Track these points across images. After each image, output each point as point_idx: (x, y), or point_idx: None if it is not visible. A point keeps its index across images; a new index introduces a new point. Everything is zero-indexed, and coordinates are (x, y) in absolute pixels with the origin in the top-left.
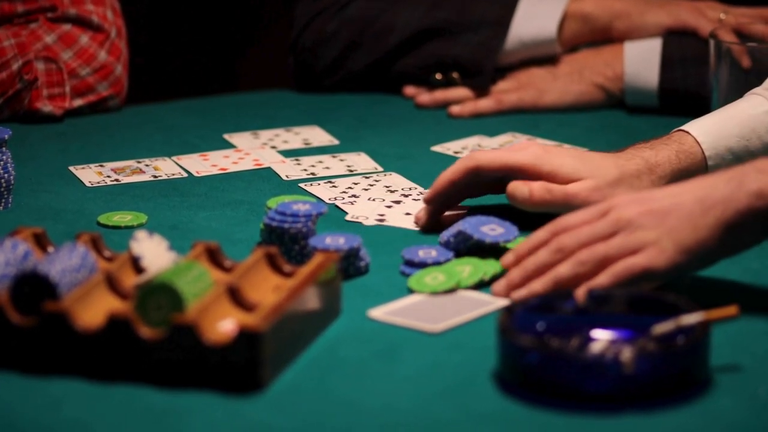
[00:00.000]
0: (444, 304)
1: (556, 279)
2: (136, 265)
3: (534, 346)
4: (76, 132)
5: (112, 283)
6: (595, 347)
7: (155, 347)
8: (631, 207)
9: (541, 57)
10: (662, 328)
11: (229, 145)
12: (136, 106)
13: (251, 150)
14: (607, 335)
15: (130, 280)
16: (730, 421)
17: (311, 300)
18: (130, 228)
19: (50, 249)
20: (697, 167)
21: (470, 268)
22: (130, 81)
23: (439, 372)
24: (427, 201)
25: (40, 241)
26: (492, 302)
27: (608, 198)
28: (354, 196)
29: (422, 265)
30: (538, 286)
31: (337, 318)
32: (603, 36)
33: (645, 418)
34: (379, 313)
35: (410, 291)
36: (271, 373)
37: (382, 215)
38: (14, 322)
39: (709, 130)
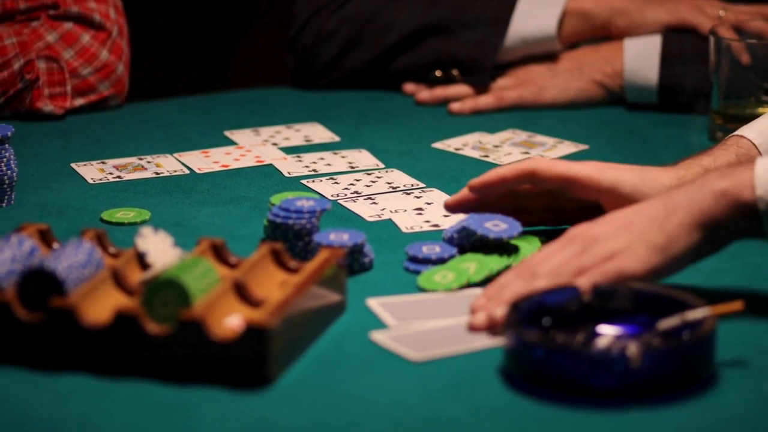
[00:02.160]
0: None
1: (533, 291)
2: (142, 261)
3: (540, 342)
4: (77, 129)
5: (118, 279)
6: (601, 342)
7: (162, 343)
8: (594, 227)
9: (541, 54)
10: (668, 323)
11: (230, 142)
12: (135, 104)
13: (252, 147)
14: (612, 330)
15: (135, 276)
16: (735, 417)
17: (317, 296)
18: (134, 225)
19: (55, 245)
20: None
21: (476, 264)
22: (129, 79)
23: (445, 367)
24: (471, 186)
25: (45, 238)
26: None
27: None
28: (356, 192)
29: (426, 261)
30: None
31: (343, 313)
32: (603, 33)
33: (651, 413)
34: (381, 336)
35: (421, 290)
36: (278, 368)
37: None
38: (21, 318)
39: (763, 131)
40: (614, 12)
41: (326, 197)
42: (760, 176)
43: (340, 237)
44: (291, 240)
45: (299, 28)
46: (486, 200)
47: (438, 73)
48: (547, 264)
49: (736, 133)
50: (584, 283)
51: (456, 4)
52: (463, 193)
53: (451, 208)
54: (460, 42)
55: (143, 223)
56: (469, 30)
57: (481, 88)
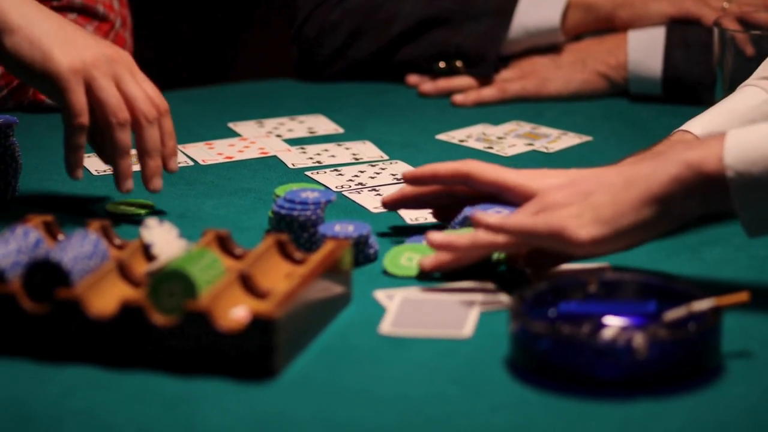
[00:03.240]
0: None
1: (475, 237)
2: (147, 252)
3: (546, 332)
4: None
5: (123, 271)
6: (607, 333)
7: (168, 334)
8: (558, 193)
9: (545, 46)
10: (674, 314)
11: (233, 134)
12: None
13: (256, 138)
14: (618, 321)
15: (141, 268)
16: (741, 407)
17: (323, 287)
18: (138, 216)
19: (60, 237)
20: None
21: None
22: None
23: (450, 358)
24: (404, 176)
25: (50, 229)
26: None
27: None
28: (360, 184)
29: None
30: (456, 240)
31: (348, 305)
32: (606, 25)
33: (657, 404)
34: (405, 329)
35: (387, 274)
36: (283, 360)
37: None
38: (27, 310)
39: (709, 126)
40: (618, 4)
41: (331, 189)
42: (729, 147)
43: (345, 228)
44: (296, 231)
45: (303, 20)
46: (422, 197)
47: (442, 65)
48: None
49: (681, 127)
50: (522, 220)
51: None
52: (400, 190)
53: (388, 204)
54: (464, 33)
55: (147, 215)
56: (472, 21)
57: (484, 79)
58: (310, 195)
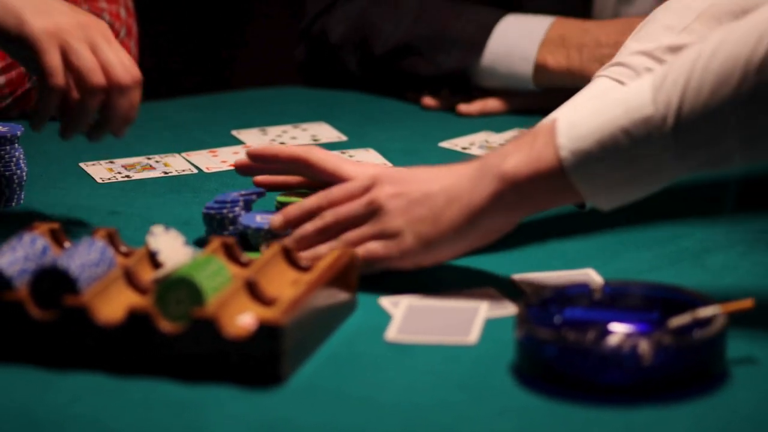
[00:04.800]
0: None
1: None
2: (153, 260)
3: (552, 339)
4: None
5: (130, 278)
6: (613, 340)
7: (175, 341)
8: (388, 189)
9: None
10: (679, 321)
11: (237, 142)
12: (143, 103)
13: (260, 146)
14: (624, 328)
15: (147, 275)
16: (746, 414)
17: (329, 294)
18: None
19: (66, 244)
20: None
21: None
22: None
23: (456, 366)
24: (248, 153)
25: (57, 237)
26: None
27: None
28: None
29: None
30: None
31: (354, 312)
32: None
33: (662, 411)
34: (411, 336)
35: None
36: (290, 366)
37: None
38: (34, 317)
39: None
40: (573, 68)
41: None
42: (561, 131)
43: (266, 218)
44: (216, 231)
45: (311, 20)
46: (275, 169)
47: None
48: (335, 214)
49: (530, 129)
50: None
51: (436, 24)
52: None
53: (238, 169)
54: (436, 65)
55: None
56: (443, 53)
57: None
58: (233, 194)
